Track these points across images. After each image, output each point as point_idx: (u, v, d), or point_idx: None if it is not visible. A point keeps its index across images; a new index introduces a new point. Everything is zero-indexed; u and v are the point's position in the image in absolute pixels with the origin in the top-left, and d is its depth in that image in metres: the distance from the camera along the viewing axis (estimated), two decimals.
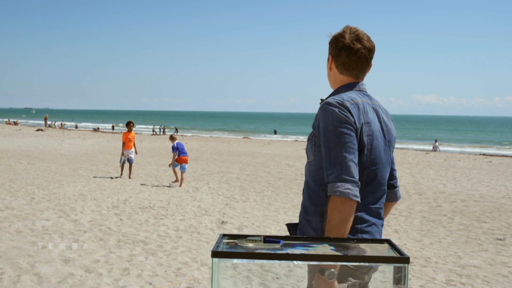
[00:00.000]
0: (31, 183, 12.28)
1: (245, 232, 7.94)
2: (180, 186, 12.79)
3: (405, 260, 1.53)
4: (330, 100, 2.28)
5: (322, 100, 2.45)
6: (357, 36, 2.37)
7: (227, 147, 29.45)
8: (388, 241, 1.78)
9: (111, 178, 13.95)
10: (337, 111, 2.22)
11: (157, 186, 12.68)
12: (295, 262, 1.59)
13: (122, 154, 14.36)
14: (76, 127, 64.08)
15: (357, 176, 2.15)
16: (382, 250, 1.76)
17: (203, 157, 21.69)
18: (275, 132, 66.46)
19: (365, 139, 2.25)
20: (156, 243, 7.01)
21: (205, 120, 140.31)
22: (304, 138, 50.04)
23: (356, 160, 2.19)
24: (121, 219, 8.49)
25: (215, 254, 1.57)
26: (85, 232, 7.50)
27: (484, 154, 30.74)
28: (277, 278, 5.62)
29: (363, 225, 2.25)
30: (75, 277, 5.41)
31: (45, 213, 8.74)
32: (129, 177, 14.06)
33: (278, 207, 10.22)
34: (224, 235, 1.80)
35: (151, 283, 5.34)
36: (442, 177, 16.40)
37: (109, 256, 6.26)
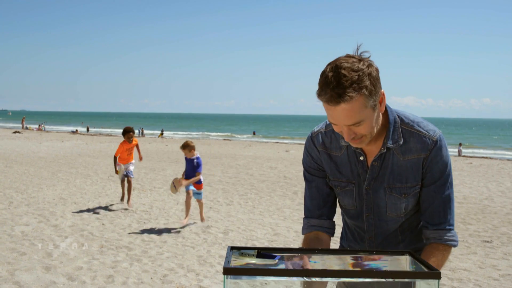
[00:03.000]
0: (9, 187, 11.96)
1: (230, 236, 7.78)
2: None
3: (436, 275, 1.40)
4: (442, 136, 2.03)
5: (388, 148, 2.04)
6: (351, 55, 2.02)
7: (208, 149, 29.23)
8: (409, 253, 1.65)
9: (120, 198, 13.65)
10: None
11: (138, 189, 12.44)
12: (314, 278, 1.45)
13: (117, 171, 10.16)
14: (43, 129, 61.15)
15: None
16: (405, 263, 1.63)
17: (184, 160, 21.44)
18: (254, 134, 66.40)
19: None
20: (141, 249, 6.82)
21: (184, 121, 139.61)
22: (286, 141, 49.99)
23: None
24: (103, 224, 8.28)
25: (227, 271, 1.42)
26: (66, 237, 7.28)
27: (464, 156, 30.97)
28: (266, 283, 5.47)
29: None
30: (57, 286, 5.20)
31: (24, 218, 8.48)
32: (128, 203, 9.92)
33: (263, 210, 10.08)
34: (232, 248, 1.65)
35: None
36: None
37: (92, 263, 6.06)
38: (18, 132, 44.38)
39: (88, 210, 9.37)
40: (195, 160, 8.56)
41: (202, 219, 8.71)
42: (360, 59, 1.81)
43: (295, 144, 39.52)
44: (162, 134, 53.98)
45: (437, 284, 1.40)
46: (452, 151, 36.65)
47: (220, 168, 18.07)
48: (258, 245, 7.32)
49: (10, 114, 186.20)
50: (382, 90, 1.87)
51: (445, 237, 2.01)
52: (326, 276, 1.44)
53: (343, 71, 1.75)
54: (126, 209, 9.66)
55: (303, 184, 2.63)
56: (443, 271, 6.21)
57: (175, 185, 8.30)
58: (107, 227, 8.06)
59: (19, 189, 11.64)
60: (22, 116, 70.21)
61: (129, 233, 7.72)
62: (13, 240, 7.01)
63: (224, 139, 47.62)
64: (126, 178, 10.15)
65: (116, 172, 10.17)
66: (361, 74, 1.76)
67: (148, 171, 16.26)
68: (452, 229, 2.03)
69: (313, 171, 2.22)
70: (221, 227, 8.36)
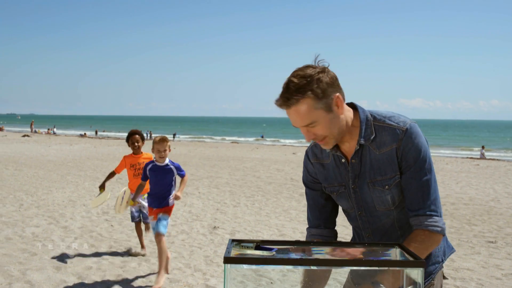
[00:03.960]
0: (19, 189, 12.14)
1: (237, 237, 7.90)
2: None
3: (421, 264, 1.51)
4: (413, 125, 2.10)
5: (361, 145, 2.18)
6: (308, 65, 2.11)
7: (216, 152, 29.39)
8: (399, 245, 1.76)
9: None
10: (422, 135, 2.11)
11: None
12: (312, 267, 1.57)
13: (102, 188, 6.94)
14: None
15: None
16: (394, 254, 1.74)
17: (192, 162, 21.61)
18: (262, 137, 66.50)
19: None
20: (149, 249, 6.94)
21: (192, 124, 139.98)
22: (295, 143, 50.07)
23: None
24: (112, 225, 8.42)
25: (228, 260, 1.54)
26: (76, 238, 7.43)
27: (471, 157, 30.94)
28: (271, 283, 5.59)
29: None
30: (68, 284, 5.35)
31: (35, 219, 8.63)
32: (142, 248, 6.81)
33: (269, 212, 10.19)
34: (233, 240, 1.78)
35: None
36: None
37: (102, 263, 6.20)
38: (27, 135, 44.74)
39: (97, 212, 9.51)
40: (170, 167, 5.73)
41: (162, 271, 5.46)
42: (314, 67, 2.01)
43: (302, 147, 39.61)
44: (174, 137, 54.89)
45: (421, 272, 1.51)
46: (472, 153, 36.60)
47: (228, 171, 18.20)
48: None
49: (19, 118, 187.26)
50: (337, 94, 2.03)
51: (426, 223, 2.06)
52: (319, 265, 1.56)
53: (293, 79, 1.99)
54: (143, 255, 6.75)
55: None
56: (445, 270, 6.32)
57: (123, 200, 6.10)
58: (115, 229, 8.20)
59: (29, 192, 11.82)
60: (31, 120, 70.62)
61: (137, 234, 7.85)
62: (24, 241, 7.16)
63: (232, 142, 47.80)
64: (142, 222, 6.91)
65: (101, 188, 6.91)
66: (309, 79, 1.97)
67: None
68: (434, 215, 2.06)
69: (309, 184, 2.40)
70: (228, 228, 8.48)
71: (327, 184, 2.30)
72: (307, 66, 2.03)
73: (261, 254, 1.73)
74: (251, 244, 1.77)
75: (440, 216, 2.09)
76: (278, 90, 2.02)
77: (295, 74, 2.01)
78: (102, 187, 6.89)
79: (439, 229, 2.06)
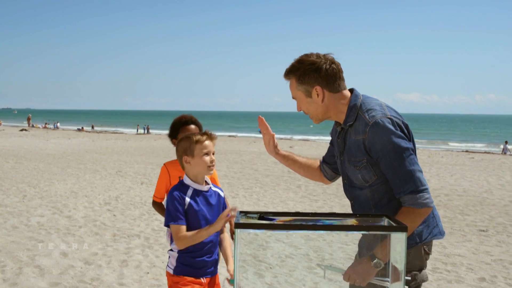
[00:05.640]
0: (21, 181, 12.36)
1: None
2: None
3: (403, 229, 1.74)
4: (381, 121, 2.31)
5: (343, 127, 2.50)
6: (319, 54, 2.44)
7: None
8: (387, 216, 2.00)
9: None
10: (392, 127, 2.30)
11: (147, 183, 12.80)
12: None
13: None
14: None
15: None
16: (382, 222, 1.98)
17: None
18: (260, 132, 66.62)
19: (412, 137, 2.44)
20: (152, 237, 7.19)
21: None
22: (292, 137, 50.34)
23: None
24: (114, 215, 8.65)
25: (237, 225, 1.77)
26: (80, 227, 7.66)
27: (466, 151, 31.23)
28: (271, 268, 5.83)
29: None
30: (75, 269, 5.59)
31: (39, 210, 8.86)
32: None
33: (267, 203, 10.43)
34: (241, 212, 2.01)
35: (148, 273, 5.53)
36: (426, 173, 16.72)
37: (107, 249, 6.44)
38: (25, 130, 44.90)
39: (99, 203, 9.74)
40: (214, 190, 3.44)
41: None
42: (317, 58, 2.39)
43: (299, 141, 39.88)
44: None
45: (405, 236, 1.75)
46: (468, 147, 36.83)
47: (226, 164, 18.43)
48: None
49: (16, 112, 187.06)
50: (317, 86, 2.39)
51: (408, 202, 2.30)
52: (316, 230, 1.79)
53: (294, 60, 2.45)
54: None
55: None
56: (437, 256, 6.59)
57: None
58: (118, 218, 8.43)
59: (31, 184, 12.03)
60: (28, 115, 70.58)
61: (139, 223, 8.08)
62: (30, 229, 7.39)
63: (229, 136, 48.00)
64: None
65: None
66: (300, 66, 2.42)
67: (155, 167, 16.62)
68: (415, 193, 2.28)
69: (327, 155, 2.95)
70: None
71: (334, 155, 2.69)
72: (313, 55, 2.40)
73: (264, 223, 1.97)
74: (255, 215, 2.01)
75: (421, 192, 2.30)
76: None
77: (299, 57, 2.44)
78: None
79: (419, 205, 2.28)
